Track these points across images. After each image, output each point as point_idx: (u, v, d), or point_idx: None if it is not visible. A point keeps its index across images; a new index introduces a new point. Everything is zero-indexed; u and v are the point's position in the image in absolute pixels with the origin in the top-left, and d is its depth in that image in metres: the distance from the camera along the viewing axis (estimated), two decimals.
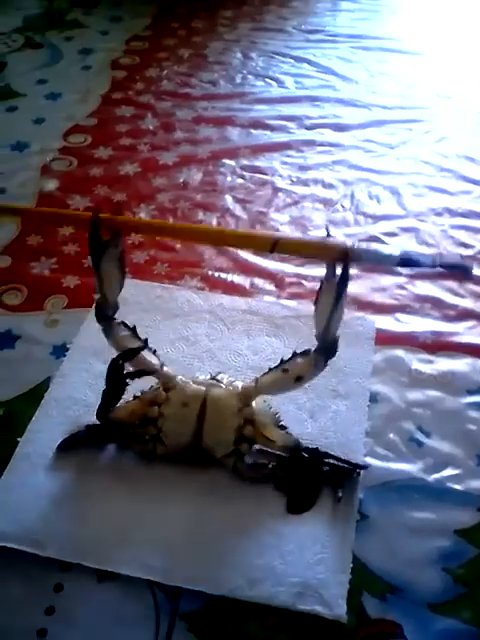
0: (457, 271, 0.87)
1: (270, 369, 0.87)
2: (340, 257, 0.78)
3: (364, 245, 0.80)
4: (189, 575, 0.79)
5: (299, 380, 0.85)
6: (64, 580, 0.79)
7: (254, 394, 0.87)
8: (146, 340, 0.88)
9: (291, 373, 0.84)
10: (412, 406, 0.99)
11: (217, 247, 1.25)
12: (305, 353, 0.84)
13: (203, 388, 0.87)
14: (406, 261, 0.80)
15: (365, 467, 0.89)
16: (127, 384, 0.86)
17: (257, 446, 0.88)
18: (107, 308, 0.86)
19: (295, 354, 0.85)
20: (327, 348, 0.82)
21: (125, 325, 0.87)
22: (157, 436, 0.87)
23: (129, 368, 0.86)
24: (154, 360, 0.88)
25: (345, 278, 0.77)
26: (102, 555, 0.80)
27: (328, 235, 0.80)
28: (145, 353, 0.87)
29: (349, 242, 0.78)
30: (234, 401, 0.86)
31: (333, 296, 0.78)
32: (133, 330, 0.87)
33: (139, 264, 1.22)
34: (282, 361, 0.86)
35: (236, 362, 1.04)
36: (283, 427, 0.89)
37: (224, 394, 0.87)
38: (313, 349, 0.83)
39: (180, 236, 0.85)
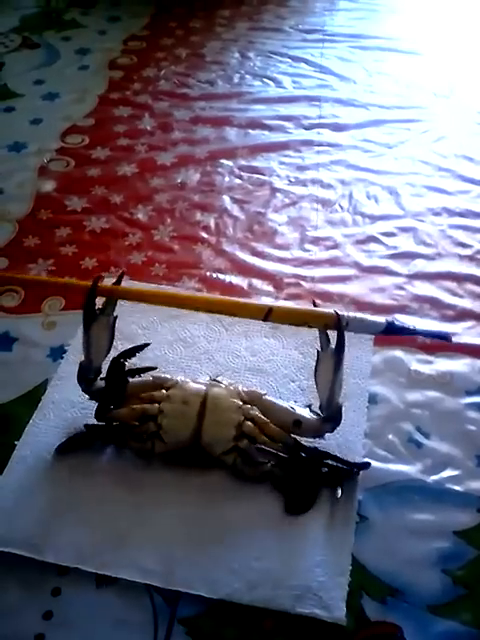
0: (439, 339, 0.93)
1: (280, 399, 0.92)
2: (332, 325, 0.83)
3: (352, 314, 0.85)
4: (187, 579, 0.78)
5: (297, 426, 0.87)
6: (62, 584, 0.79)
7: (256, 399, 0.89)
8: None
9: (295, 414, 0.88)
10: (411, 407, 0.99)
11: (215, 248, 1.26)
12: (316, 412, 0.88)
13: (203, 386, 0.88)
14: (392, 328, 0.85)
15: (366, 465, 0.89)
16: (128, 382, 0.87)
17: (256, 445, 0.87)
18: (90, 371, 0.88)
19: (309, 407, 0.89)
20: (333, 417, 0.86)
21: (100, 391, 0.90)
22: (156, 433, 0.87)
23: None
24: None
25: (341, 346, 0.82)
26: (100, 559, 0.80)
27: (315, 304, 0.86)
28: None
29: (337, 311, 0.84)
30: (234, 398, 0.87)
31: (332, 365, 0.82)
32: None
33: (137, 265, 1.21)
34: (294, 402, 0.90)
35: (234, 363, 1.04)
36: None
37: (225, 392, 0.88)
38: (323, 415, 0.87)
39: (177, 304, 0.89)
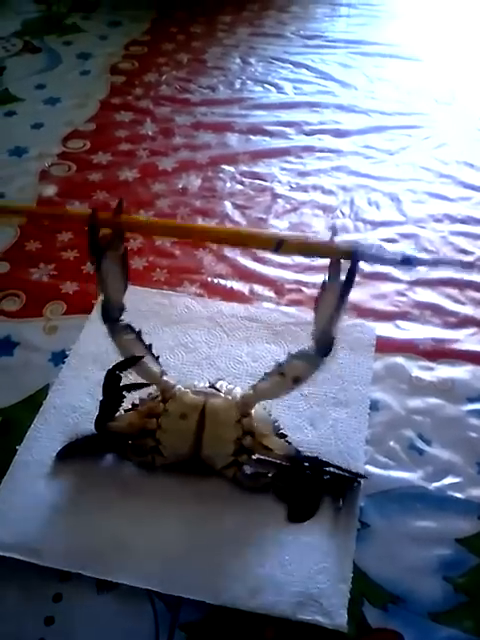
0: (463, 267, 0.89)
1: (266, 374, 0.86)
2: (347, 255, 0.78)
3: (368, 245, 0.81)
4: (189, 585, 0.78)
5: (297, 381, 0.84)
6: (63, 590, 0.79)
7: (253, 402, 0.87)
8: (150, 345, 0.87)
9: (288, 375, 0.83)
10: (412, 414, 0.99)
11: (217, 253, 1.25)
12: (301, 354, 0.83)
13: (201, 398, 0.85)
14: (407, 260, 0.82)
15: (365, 477, 0.89)
16: (124, 396, 0.86)
17: (257, 456, 0.87)
18: (113, 309, 0.85)
19: (291, 356, 0.84)
20: (324, 346, 0.82)
21: (131, 328, 0.86)
22: (156, 448, 0.87)
23: (130, 377, 0.86)
24: (156, 368, 0.87)
25: (352, 279, 0.78)
26: (101, 565, 0.80)
27: (333, 237, 0.81)
28: (147, 359, 0.86)
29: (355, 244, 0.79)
30: (233, 412, 0.85)
31: (337, 294, 0.78)
32: (138, 334, 0.86)
33: (138, 270, 1.21)
34: (278, 365, 0.84)
35: (235, 369, 1.04)
36: (283, 435, 0.89)
37: (223, 405, 0.85)
38: (310, 349, 0.82)
39: (186, 235, 0.85)
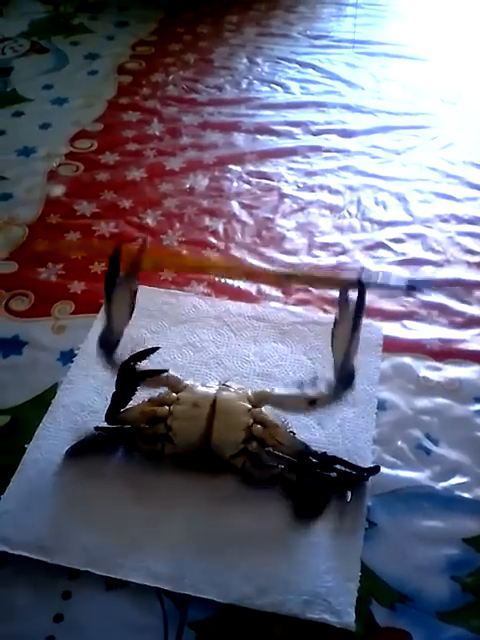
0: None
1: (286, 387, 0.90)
2: (353, 285, 0.82)
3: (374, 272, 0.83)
4: (198, 583, 0.79)
5: (312, 404, 0.86)
6: (72, 588, 0.80)
7: (266, 400, 0.88)
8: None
9: (306, 394, 0.86)
10: (420, 414, 0.99)
11: (224, 253, 1.26)
12: (325, 380, 0.86)
13: (213, 390, 0.88)
14: (412, 286, 0.85)
15: (376, 470, 0.88)
16: (138, 384, 0.87)
17: (266, 449, 0.87)
18: (111, 338, 0.88)
19: (316, 378, 0.87)
20: (346, 379, 0.85)
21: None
22: (166, 435, 0.87)
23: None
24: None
25: (361, 307, 0.81)
26: (110, 563, 0.80)
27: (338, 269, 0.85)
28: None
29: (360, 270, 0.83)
30: (244, 402, 0.87)
31: (350, 326, 0.81)
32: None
33: (146, 270, 1.22)
34: (301, 382, 0.87)
35: (243, 368, 1.04)
36: (292, 433, 0.90)
37: (234, 396, 0.88)
38: (333, 379, 0.85)
39: (198, 269, 0.90)
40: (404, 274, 0.81)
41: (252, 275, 0.87)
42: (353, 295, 0.83)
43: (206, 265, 0.89)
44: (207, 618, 0.77)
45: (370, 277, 0.80)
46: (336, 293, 1.14)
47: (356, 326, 0.81)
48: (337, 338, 0.84)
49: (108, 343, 0.88)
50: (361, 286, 0.81)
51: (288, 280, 0.81)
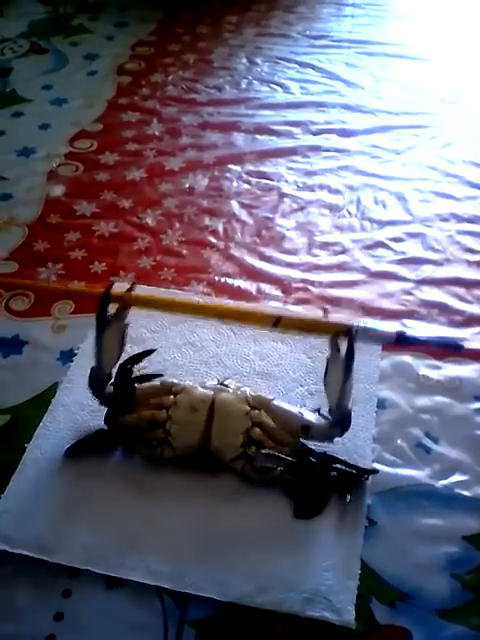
0: (450, 348, 0.94)
1: (290, 402, 0.91)
2: (343, 332, 0.84)
3: (362, 325, 0.91)
4: (197, 581, 0.79)
5: (305, 430, 0.87)
6: (72, 586, 0.80)
7: (264, 404, 0.88)
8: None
9: (303, 420, 0.87)
10: (420, 412, 0.99)
11: (224, 253, 1.26)
12: (326, 416, 0.87)
13: (211, 392, 0.88)
14: (402, 339, 0.87)
15: (375, 471, 0.89)
16: (135, 388, 0.87)
17: (265, 450, 0.87)
18: (100, 377, 0.88)
19: (317, 410, 0.88)
20: (342, 421, 0.86)
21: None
22: (165, 439, 0.87)
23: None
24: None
25: (351, 354, 0.82)
26: (110, 561, 0.80)
27: (325, 311, 0.87)
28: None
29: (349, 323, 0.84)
30: (242, 404, 0.87)
31: (341, 370, 0.83)
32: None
33: (146, 270, 1.22)
34: (303, 404, 0.91)
35: (243, 367, 1.04)
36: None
37: (232, 398, 0.88)
38: (332, 419, 0.86)
39: (188, 311, 0.92)
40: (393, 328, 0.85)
41: (243, 317, 0.89)
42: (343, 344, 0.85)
43: (196, 307, 0.91)
44: (207, 616, 0.77)
45: (359, 328, 0.83)
46: (336, 292, 1.16)
47: (347, 372, 0.83)
48: (330, 385, 0.86)
49: (98, 381, 0.89)
50: (351, 334, 0.83)
51: (279, 323, 0.83)
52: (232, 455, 0.87)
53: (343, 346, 0.84)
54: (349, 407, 0.86)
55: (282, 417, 0.88)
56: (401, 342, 0.87)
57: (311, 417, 0.88)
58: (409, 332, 1.08)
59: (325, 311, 0.91)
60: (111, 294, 0.87)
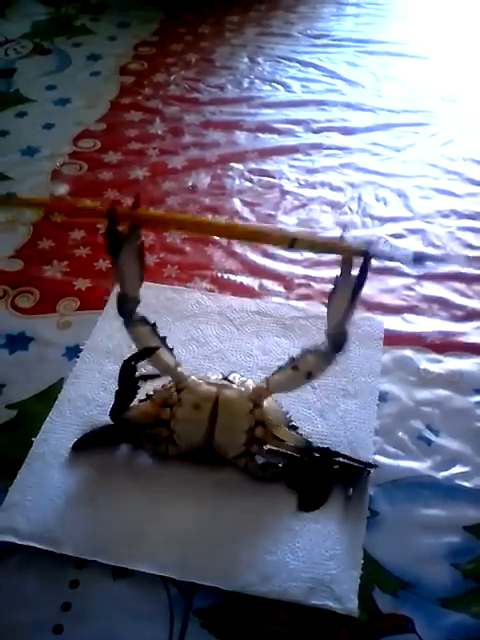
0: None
1: (280, 368, 0.87)
2: (359, 253, 0.78)
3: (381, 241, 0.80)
4: (202, 571, 0.80)
5: (309, 376, 0.85)
6: (80, 577, 0.81)
7: (265, 394, 0.88)
8: (165, 338, 0.88)
9: (301, 370, 0.85)
10: (421, 405, 1.00)
11: (227, 249, 1.27)
12: (315, 349, 0.84)
13: (214, 389, 0.88)
14: (419, 258, 0.82)
15: (374, 466, 0.90)
16: (139, 386, 0.87)
17: (268, 446, 0.88)
18: (128, 302, 0.85)
19: (304, 351, 0.85)
20: (337, 343, 0.83)
21: (145, 320, 0.86)
22: (170, 437, 0.88)
23: (143, 369, 0.87)
24: (170, 359, 0.88)
25: (363, 276, 0.78)
26: (117, 552, 0.81)
27: (342, 236, 0.81)
28: (162, 351, 0.87)
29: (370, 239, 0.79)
30: (245, 403, 0.87)
31: (350, 291, 0.78)
32: (153, 326, 0.87)
33: (149, 266, 1.23)
34: (291, 359, 0.86)
35: (246, 362, 1.05)
36: (294, 427, 0.91)
37: (235, 396, 0.87)
38: (323, 344, 0.83)
39: (201, 230, 0.88)
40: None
41: (256, 236, 0.86)
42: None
43: (206, 225, 0.88)
44: (212, 605, 0.79)
45: (376, 246, 0.78)
46: None
47: (356, 292, 0.78)
48: (334, 303, 0.81)
49: (127, 307, 0.85)
50: (366, 254, 0.78)
51: (294, 243, 0.78)
52: (235, 453, 0.88)
53: (355, 269, 0.78)
54: (347, 330, 0.82)
55: (285, 384, 0.87)
56: (418, 262, 0.85)
57: (306, 364, 0.84)
58: (410, 320, 1.08)
59: (344, 229, 0.84)
60: (118, 212, 0.81)
